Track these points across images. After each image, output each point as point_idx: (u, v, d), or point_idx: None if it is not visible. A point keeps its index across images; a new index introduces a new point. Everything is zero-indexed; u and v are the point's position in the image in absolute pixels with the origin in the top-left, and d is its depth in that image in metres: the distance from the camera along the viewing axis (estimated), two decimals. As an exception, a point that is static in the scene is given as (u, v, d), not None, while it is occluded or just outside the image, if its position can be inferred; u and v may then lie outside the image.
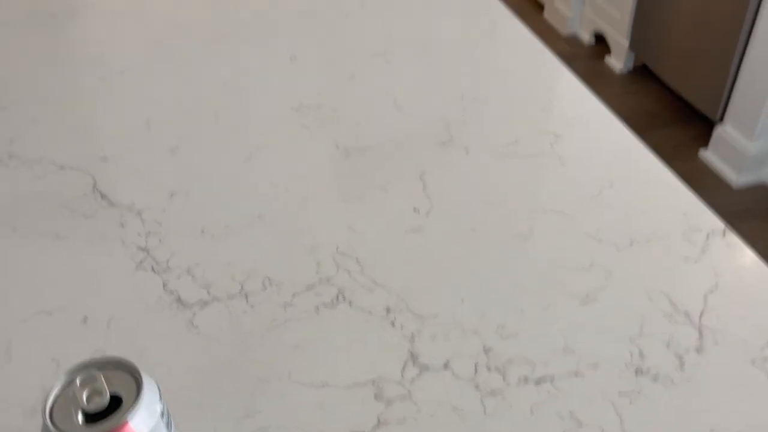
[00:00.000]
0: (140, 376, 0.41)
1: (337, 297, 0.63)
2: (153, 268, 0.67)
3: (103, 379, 0.40)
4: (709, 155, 2.23)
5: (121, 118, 0.88)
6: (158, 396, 0.42)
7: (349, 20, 1.10)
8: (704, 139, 2.33)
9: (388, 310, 0.62)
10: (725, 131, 2.15)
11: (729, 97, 2.14)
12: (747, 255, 0.67)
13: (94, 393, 0.40)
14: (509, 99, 0.90)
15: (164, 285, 0.65)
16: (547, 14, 3.07)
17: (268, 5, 1.15)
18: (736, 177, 2.13)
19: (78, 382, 0.40)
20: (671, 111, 2.50)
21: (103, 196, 0.76)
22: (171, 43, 1.05)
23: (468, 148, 0.82)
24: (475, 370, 0.56)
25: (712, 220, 0.70)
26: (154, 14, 1.14)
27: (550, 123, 0.85)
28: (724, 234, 0.69)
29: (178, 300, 0.63)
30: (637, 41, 2.58)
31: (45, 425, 0.39)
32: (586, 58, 2.81)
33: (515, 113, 0.88)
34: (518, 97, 0.91)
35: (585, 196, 0.74)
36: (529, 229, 0.70)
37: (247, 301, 0.63)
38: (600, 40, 2.86)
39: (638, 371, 0.56)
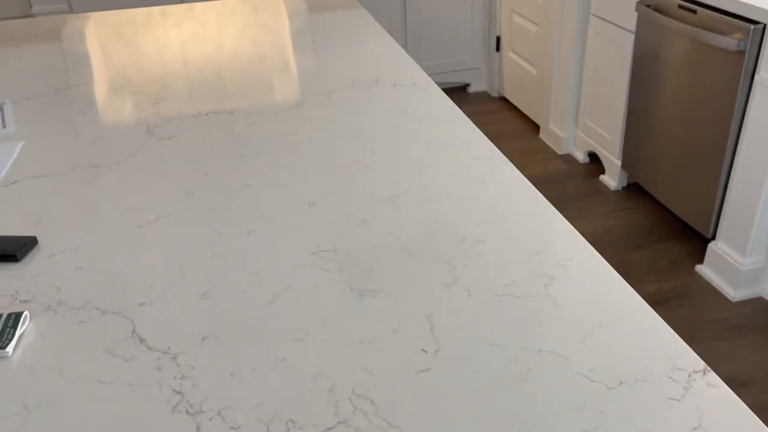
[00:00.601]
0: None
1: (355, 438, 0.70)
2: (187, 411, 0.74)
3: None
4: (705, 270, 2.31)
5: (157, 265, 0.98)
6: None
7: (359, 167, 1.23)
8: (700, 253, 2.42)
9: (401, 451, 0.68)
10: (718, 247, 2.25)
11: (719, 215, 2.25)
12: (725, 392, 0.74)
13: None
14: (507, 242, 1.00)
15: (198, 428, 0.72)
16: (543, 135, 3.26)
17: (287, 154, 1.28)
18: (733, 291, 2.20)
19: None
20: (666, 226, 2.61)
21: (141, 341, 0.84)
22: (200, 192, 1.17)
23: (470, 289, 0.90)
24: None
25: (693, 359, 0.78)
26: (185, 164, 1.27)
27: (544, 266, 0.94)
28: (704, 372, 0.76)
29: (211, 442, 0.70)
30: (628, 161, 2.73)
31: None
32: (581, 176, 2.97)
33: (512, 256, 0.97)
34: (515, 240, 1.00)
35: (577, 336, 0.82)
36: (528, 369, 0.77)
37: (273, 443, 0.70)
38: (594, 158, 3.02)
39: None
